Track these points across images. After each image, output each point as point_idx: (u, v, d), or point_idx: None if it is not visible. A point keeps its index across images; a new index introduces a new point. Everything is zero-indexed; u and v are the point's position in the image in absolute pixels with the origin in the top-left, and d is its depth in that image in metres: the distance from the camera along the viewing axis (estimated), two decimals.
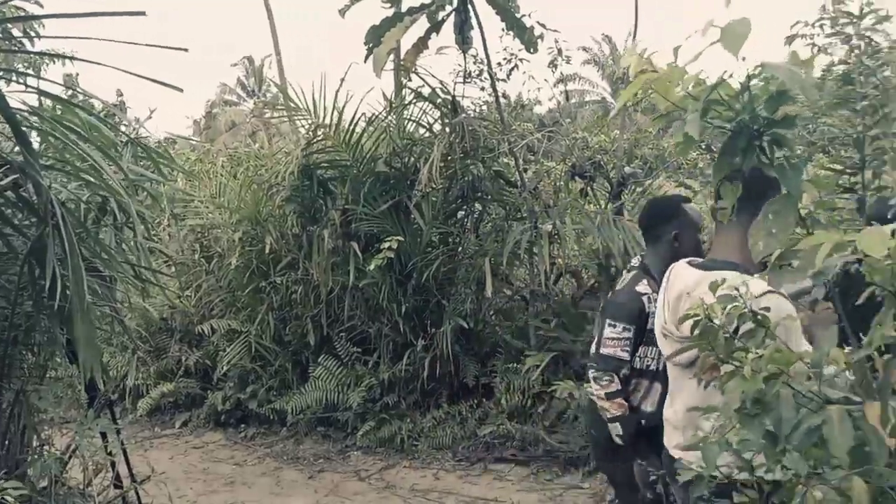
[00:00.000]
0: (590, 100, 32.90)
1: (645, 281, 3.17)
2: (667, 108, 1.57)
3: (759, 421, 1.62)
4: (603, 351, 3.13)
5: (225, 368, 7.20)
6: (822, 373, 1.56)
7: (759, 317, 1.82)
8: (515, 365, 6.11)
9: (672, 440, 2.54)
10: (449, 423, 6.09)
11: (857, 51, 5.68)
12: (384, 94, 6.88)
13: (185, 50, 3.30)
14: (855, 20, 5.69)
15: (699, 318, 1.75)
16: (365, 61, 6.27)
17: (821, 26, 5.74)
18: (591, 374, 3.19)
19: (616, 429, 3.14)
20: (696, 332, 1.82)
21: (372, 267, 5.97)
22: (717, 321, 1.73)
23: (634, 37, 6.33)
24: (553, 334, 6.19)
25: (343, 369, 6.61)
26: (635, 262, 3.33)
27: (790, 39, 5.92)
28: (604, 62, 33.57)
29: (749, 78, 1.48)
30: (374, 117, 6.77)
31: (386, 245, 5.99)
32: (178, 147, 12.24)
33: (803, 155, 7.05)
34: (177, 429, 7.51)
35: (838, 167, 5.99)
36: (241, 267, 7.15)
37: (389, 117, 6.76)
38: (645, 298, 3.11)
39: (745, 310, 1.82)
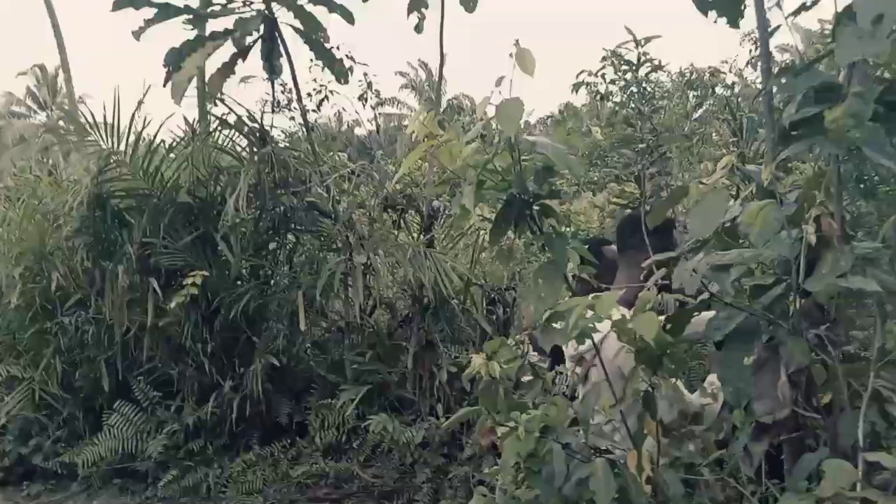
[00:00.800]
0: (408, 124, 33.51)
1: None
2: (447, 176, 1.60)
3: (541, 475, 1.68)
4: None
5: (3, 420, 6.43)
6: (590, 424, 1.65)
7: (536, 369, 1.90)
8: (330, 400, 6.00)
9: None
10: (260, 465, 5.83)
11: (634, 97, 6.29)
12: (187, 120, 6.55)
13: None
14: (633, 68, 6.30)
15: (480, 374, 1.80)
16: (164, 85, 5.93)
17: (602, 75, 6.30)
18: None
19: None
20: (480, 388, 1.87)
21: (173, 304, 5.62)
22: (496, 376, 1.78)
23: (441, 73, 6.53)
24: (368, 367, 6.17)
25: (142, 415, 6.14)
26: None
27: (576, 87, 6.42)
28: (420, 88, 34.49)
29: (519, 153, 1.55)
30: (175, 144, 6.42)
31: (189, 280, 5.67)
32: None
33: (602, 180, 7.60)
34: None
35: (623, 201, 6.56)
36: (23, 306, 6.45)
37: (193, 144, 6.43)
38: None
39: (524, 363, 1.90)
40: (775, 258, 1.87)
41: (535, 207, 1.58)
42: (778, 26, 2.31)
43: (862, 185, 5.26)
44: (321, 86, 6.44)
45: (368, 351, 6.23)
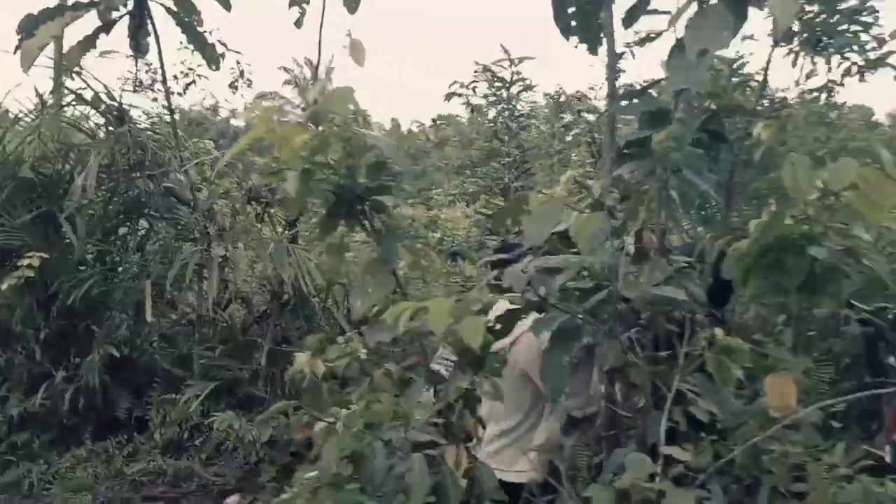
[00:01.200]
0: (288, 119, 32.79)
1: None
2: (279, 165, 1.58)
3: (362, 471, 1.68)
4: (432, 365, 3.37)
5: None
6: (411, 420, 1.68)
7: (364, 365, 1.91)
8: (174, 395, 5.75)
9: (481, 453, 2.78)
10: (92, 461, 5.47)
11: (504, 113, 6.50)
12: (37, 92, 6.10)
13: None
14: (507, 85, 6.51)
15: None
16: (15, 52, 5.49)
17: (473, 88, 6.47)
18: None
19: None
20: (304, 385, 1.86)
21: (5, 286, 5.20)
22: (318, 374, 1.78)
23: (317, 70, 6.44)
24: (218, 362, 5.97)
25: None
26: None
27: (448, 97, 6.55)
28: (304, 85, 33.88)
29: (352, 146, 1.55)
30: (22, 115, 5.96)
31: (25, 262, 5.27)
32: None
33: (476, 192, 7.75)
34: None
35: (487, 212, 6.73)
36: None
37: (42, 117, 5.99)
38: None
39: (351, 359, 1.90)
40: (605, 265, 1.99)
41: (367, 203, 1.59)
42: (623, 52, 2.46)
43: (703, 212, 5.69)
44: (189, 69, 6.19)
45: (219, 346, 6.03)
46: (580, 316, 1.86)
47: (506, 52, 6.48)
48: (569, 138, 7.93)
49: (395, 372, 2.27)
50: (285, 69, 33.77)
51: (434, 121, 7.42)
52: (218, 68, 6.38)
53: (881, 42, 5.94)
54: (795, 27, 5.94)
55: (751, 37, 6.36)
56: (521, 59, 6.44)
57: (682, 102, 1.89)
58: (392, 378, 2.27)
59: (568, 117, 7.81)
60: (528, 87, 6.35)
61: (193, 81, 6.20)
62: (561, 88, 7.17)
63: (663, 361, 1.88)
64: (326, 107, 1.45)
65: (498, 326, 1.85)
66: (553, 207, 1.98)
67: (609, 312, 1.89)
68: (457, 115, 7.58)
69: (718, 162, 2.18)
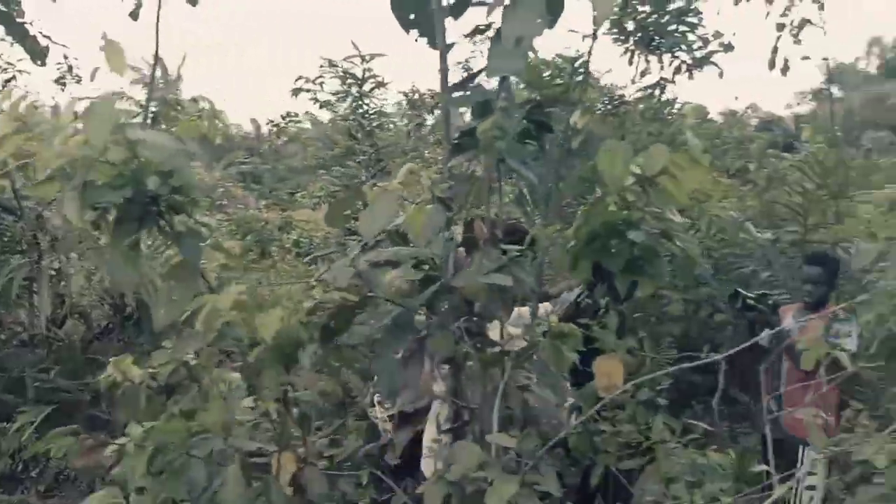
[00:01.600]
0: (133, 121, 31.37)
1: None
2: (52, 173, 1.43)
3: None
4: None
5: None
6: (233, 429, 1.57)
7: (192, 372, 1.79)
8: (5, 424, 5.24)
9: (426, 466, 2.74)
10: None
11: (357, 112, 6.43)
12: None
13: None
14: (358, 82, 6.45)
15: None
16: None
17: (321, 84, 6.36)
18: (376, 398, 3.37)
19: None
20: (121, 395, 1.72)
21: None
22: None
23: (155, 67, 6.06)
24: (55, 384, 5.51)
25: None
26: None
27: (295, 92, 6.40)
28: (155, 85, 32.26)
29: (132, 152, 1.43)
30: None
31: None
32: None
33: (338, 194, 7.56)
34: None
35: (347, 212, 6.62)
36: None
37: None
38: None
39: (178, 365, 1.78)
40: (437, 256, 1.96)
41: (163, 204, 1.48)
42: (453, 44, 2.45)
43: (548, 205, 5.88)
44: (8, 63, 5.66)
45: (56, 367, 5.56)
46: (415, 308, 1.83)
47: (356, 48, 6.41)
48: (431, 138, 7.97)
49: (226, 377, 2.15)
50: (133, 68, 31.97)
51: (283, 118, 7.23)
52: (44, 63, 5.92)
53: (705, 42, 6.40)
54: (630, 27, 6.29)
55: (591, 35, 6.66)
56: (371, 56, 6.38)
57: (503, 91, 1.90)
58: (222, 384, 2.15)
59: (426, 116, 7.86)
60: (381, 84, 6.32)
61: (13, 77, 5.68)
62: (414, 86, 7.19)
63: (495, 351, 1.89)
64: (85, 124, 1.32)
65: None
66: (388, 201, 1.94)
67: (442, 303, 1.88)
68: (307, 112, 7.42)
69: (546, 151, 2.22)
